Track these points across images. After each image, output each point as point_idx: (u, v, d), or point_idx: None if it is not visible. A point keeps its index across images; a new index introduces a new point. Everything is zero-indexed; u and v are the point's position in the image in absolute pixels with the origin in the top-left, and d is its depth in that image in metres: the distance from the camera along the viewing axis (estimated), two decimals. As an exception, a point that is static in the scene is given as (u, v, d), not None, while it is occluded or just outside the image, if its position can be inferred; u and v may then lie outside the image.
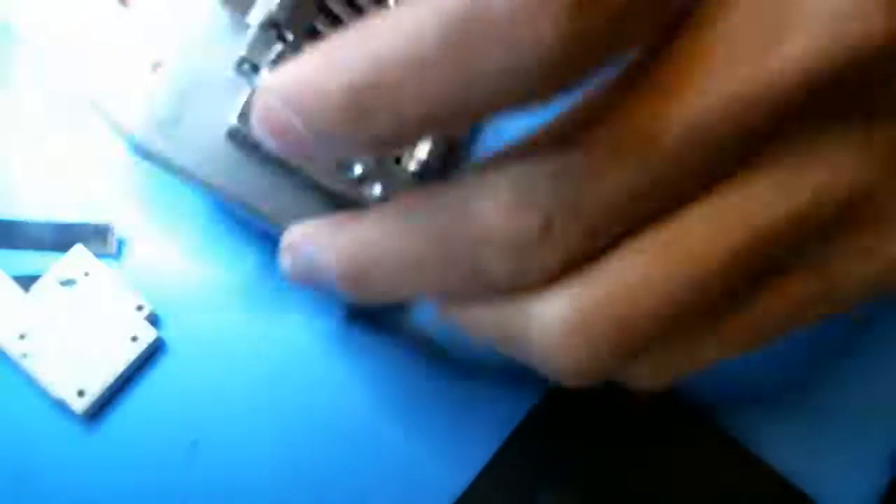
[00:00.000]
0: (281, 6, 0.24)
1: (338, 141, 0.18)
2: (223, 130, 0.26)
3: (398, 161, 0.27)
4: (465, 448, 0.29)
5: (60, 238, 0.31)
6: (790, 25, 0.17)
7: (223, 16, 0.26)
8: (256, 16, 0.24)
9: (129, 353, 0.30)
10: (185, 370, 0.31)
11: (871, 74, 0.17)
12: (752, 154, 0.18)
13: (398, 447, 0.30)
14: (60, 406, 0.30)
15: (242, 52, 0.24)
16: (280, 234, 0.25)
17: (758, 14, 0.17)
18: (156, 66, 0.26)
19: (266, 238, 0.30)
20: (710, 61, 0.17)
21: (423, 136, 0.21)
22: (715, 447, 0.30)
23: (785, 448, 0.31)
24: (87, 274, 0.31)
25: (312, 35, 0.25)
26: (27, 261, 0.31)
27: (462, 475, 0.29)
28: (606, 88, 0.19)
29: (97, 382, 0.30)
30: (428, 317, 0.31)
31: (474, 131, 0.31)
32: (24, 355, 0.30)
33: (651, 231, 0.19)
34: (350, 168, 0.26)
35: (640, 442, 0.30)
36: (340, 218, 0.23)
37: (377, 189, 0.26)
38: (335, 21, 0.26)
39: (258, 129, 0.19)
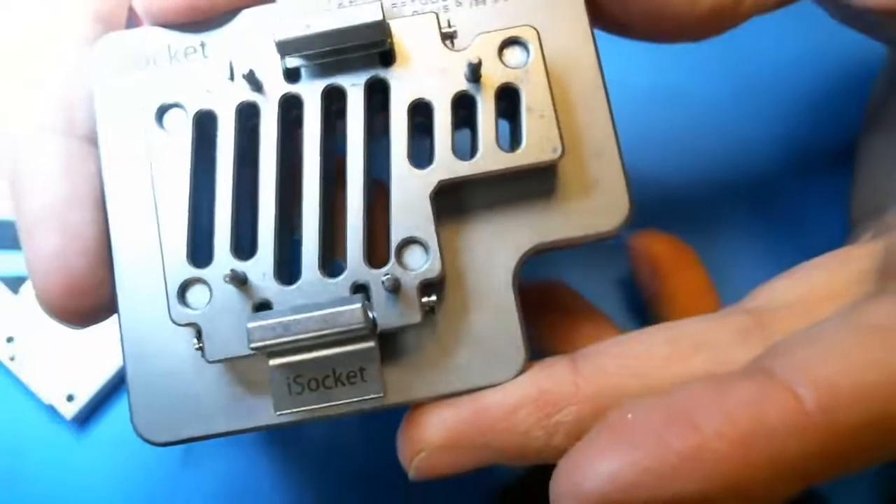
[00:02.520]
0: None
1: None
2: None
3: None
4: None
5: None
6: None
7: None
8: None
9: (120, 357, 0.29)
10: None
11: None
12: None
13: None
14: (50, 410, 0.29)
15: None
16: None
17: None
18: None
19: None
20: None
21: None
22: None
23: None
24: (77, 275, 0.30)
25: None
26: (16, 261, 0.31)
27: None
28: None
29: (87, 387, 0.29)
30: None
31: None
32: (13, 358, 0.29)
33: None
34: None
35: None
36: None
37: None
38: None
39: None
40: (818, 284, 0.21)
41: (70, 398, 0.29)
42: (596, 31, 0.22)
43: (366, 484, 0.29)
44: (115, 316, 0.22)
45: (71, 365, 0.29)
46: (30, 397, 0.29)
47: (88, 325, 0.22)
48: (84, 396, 0.29)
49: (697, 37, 0.24)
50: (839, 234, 0.28)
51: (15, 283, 0.30)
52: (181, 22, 0.21)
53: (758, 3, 0.23)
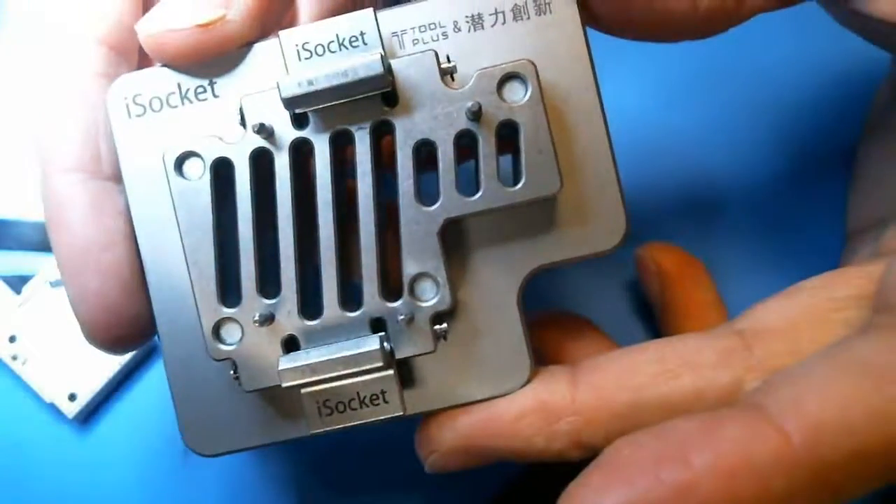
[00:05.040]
0: None
1: None
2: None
3: None
4: None
5: (52, 237, 0.31)
6: None
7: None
8: None
9: (122, 356, 0.30)
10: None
11: None
12: None
13: None
14: (52, 409, 0.30)
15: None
16: None
17: None
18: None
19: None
20: None
21: None
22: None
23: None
24: (79, 275, 0.30)
25: None
26: (18, 261, 0.31)
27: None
28: None
29: (89, 386, 0.29)
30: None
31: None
32: (15, 358, 0.29)
33: None
34: None
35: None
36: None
37: None
38: None
39: None
40: (803, 309, 0.22)
41: (72, 397, 0.29)
42: (592, 39, 0.22)
43: (366, 484, 0.30)
44: None
45: (73, 364, 0.29)
46: (32, 396, 0.30)
47: (130, 351, 0.24)
48: (86, 395, 0.29)
49: (699, 35, 0.24)
50: (841, 245, 0.28)
51: (17, 283, 0.30)
52: (191, 62, 0.22)
53: (760, 1, 0.23)
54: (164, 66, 0.22)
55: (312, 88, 0.20)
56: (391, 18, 0.22)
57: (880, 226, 0.25)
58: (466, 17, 0.22)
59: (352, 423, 0.21)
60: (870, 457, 0.18)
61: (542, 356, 0.26)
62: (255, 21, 0.22)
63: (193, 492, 0.30)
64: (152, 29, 0.21)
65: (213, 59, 0.22)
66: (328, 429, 0.21)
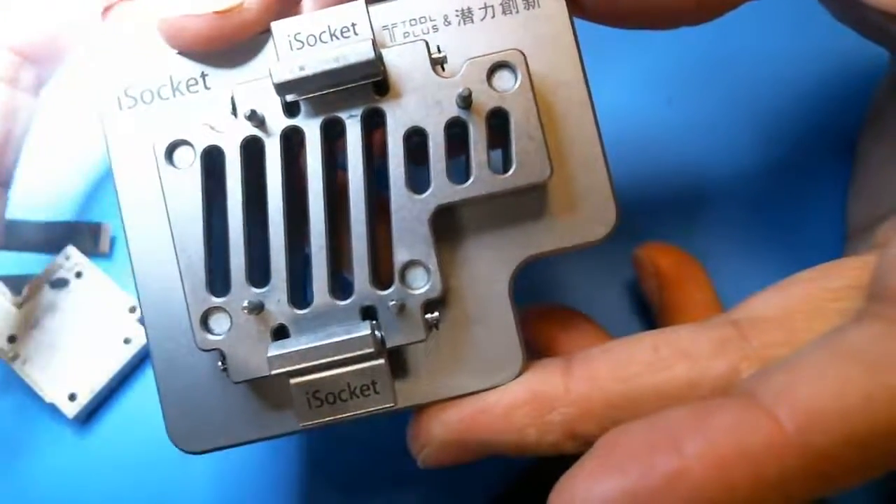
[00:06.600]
0: None
1: None
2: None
3: None
4: None
5: (52, 238, 0.31)
6: None
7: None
8: None
9: (122, 356, 0.30)
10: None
11: None
12: None
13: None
14: (52, 410, 0.29)
15: None
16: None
17: None
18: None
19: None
20: None
21: None
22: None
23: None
24: (78, 275, 0.30)
25: None
26: (18, 261, 0.31)
27: None
28: None
29: (89, 386, 0.29)
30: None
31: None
32: (15, 358, 0.29)
33: None
34: None
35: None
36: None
37: None
38: None
39: None
40: (799, 299, 0.22)
41: (72, 397, 0.29)
42: (587, 32, 0.22)
43: (365, 484, 0.30)
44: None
45: (73, 364, 0.29)
46: (32, 396, 0.30)
47: None
48: (86, 396, 0.29)
49: (688, 22, 0.24)
50: (839, 242, 0.28)
51: (17, 283, 0.30)
52: (207, 50, 0.22)
53: None
54: (180, 53, 0.22)
55: (304, 74, 0.20)
56: (382, 12, 0.22)
57: (878, 221, 0.25)
58: (456, 10, 0.22)
59: (342, 416, 0.21)
60: (864, 444, 0.18)
61: (535, 349, 0.26)
62: (272, 9, 0.22)
63: (193, 492, 0.30)
64: (169, 15, 0.22)
65: (228, 47, 0.22)
66: (318, 421, 0.21)
